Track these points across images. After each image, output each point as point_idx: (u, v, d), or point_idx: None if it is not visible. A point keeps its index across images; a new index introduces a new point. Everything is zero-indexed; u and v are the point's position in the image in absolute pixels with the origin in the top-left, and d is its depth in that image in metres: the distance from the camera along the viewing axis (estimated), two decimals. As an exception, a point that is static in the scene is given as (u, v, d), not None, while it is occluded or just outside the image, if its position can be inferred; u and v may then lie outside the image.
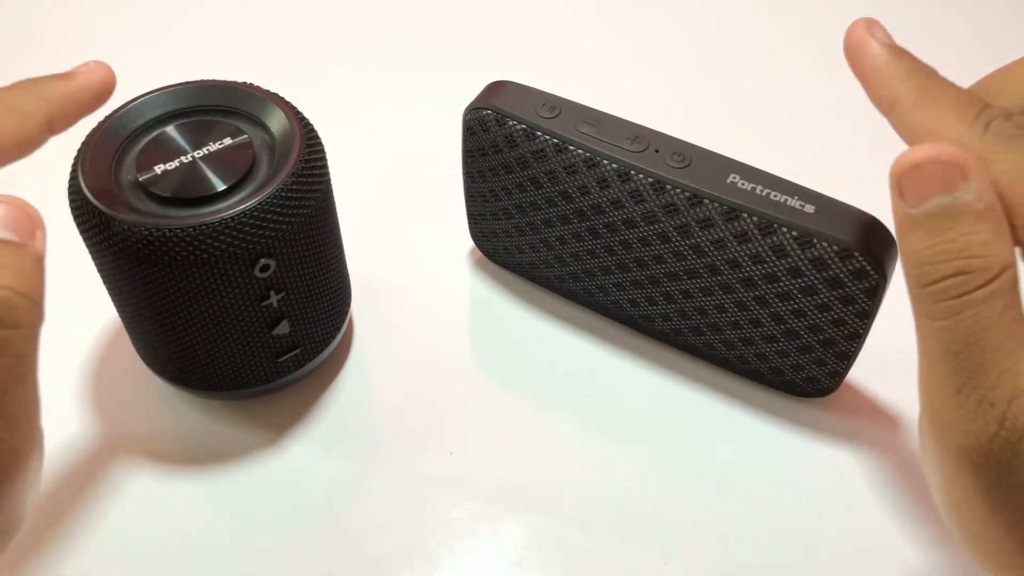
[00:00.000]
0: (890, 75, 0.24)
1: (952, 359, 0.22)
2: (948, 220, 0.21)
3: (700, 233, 0.33)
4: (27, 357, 0.22)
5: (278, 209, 0.30)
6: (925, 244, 0.22)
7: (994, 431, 0.21)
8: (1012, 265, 0.21)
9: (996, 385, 0.21)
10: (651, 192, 0.33)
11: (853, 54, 0.25)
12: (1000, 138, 0.22)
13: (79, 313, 0.39)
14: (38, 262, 0.23)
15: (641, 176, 0.33)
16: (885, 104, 0.24)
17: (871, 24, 0.25)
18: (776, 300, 0.33)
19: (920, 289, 0.22)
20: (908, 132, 0.24)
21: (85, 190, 0.30)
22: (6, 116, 0.25)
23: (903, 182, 0.22)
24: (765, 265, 0.32)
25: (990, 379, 0.21)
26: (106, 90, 0.27)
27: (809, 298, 0.32)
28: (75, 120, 0.26)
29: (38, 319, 0.23)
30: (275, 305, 0.32)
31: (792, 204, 0.31)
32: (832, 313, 0.32)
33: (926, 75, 0.24)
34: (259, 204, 0.30)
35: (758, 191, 0.32)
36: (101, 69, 0.27)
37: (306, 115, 0.33)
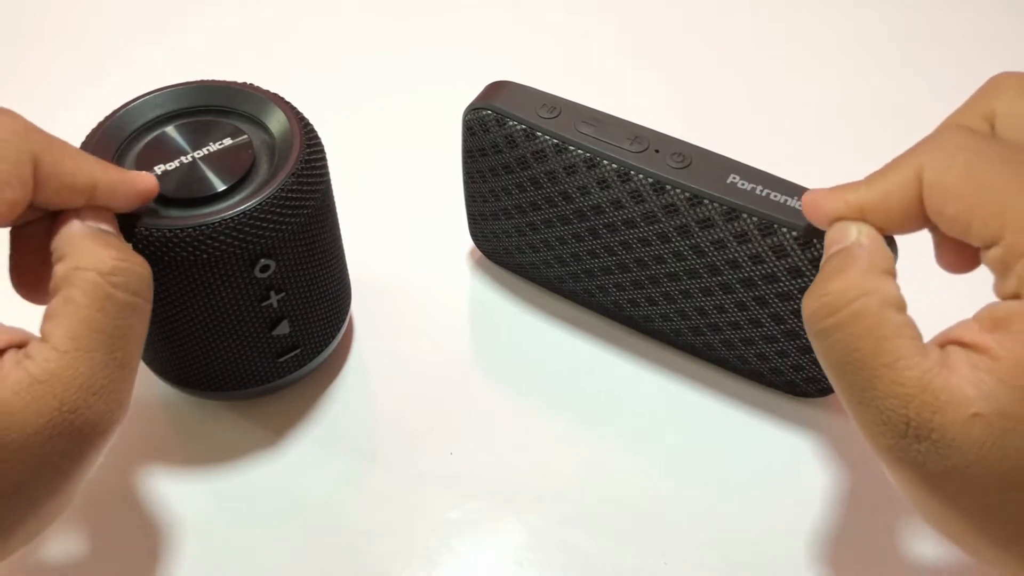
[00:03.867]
0: (832, 198, 0.27)
1: (843, 376, 0.24)
2: (833, 260, 0.25)
3: (700, 233, 0.33)
4: (146, 329, 0.26)
5: (278, 209, 0.30)
6: (816, 280, 0.26)
7: (903, 429, 0.22)
8: (874, 292, 0.24)
9: (887, 396, 0.23)
10: (651, 192, 0.33)
11: (810, 212, 0.28)
12: (951, 145, 0.24)
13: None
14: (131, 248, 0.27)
15: (641, 176, 0.33)
16: (835, 213, 0.27)
17: (811, 193, 0.28)
18: (776, 300, 0.33)
19: (809, 315, 0.25)
20: (861, 204, 0.27)
21: (85, 190, 0.30)
22: (70, 159, 0.26)
23: (826, 240, 0.27)
24: (765, 265, 0.32)
25: (880, 391, 0.23)
26: (145, 195, 0.29)
27: (809, 298, 0.32)
28: (112, 200, 0.28)
29: (151, 294, 0.27)
30: (275, 305, 0.32)
31: (792, 204, 0.31)
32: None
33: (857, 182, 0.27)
34: (259, 204, 0.30)
35: (758, 191, 0.32)
36: (151, 180, 0.29)
37: (306, 115, 0.33)
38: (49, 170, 0.25)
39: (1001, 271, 0.23)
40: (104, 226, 0.27)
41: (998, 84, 0.26)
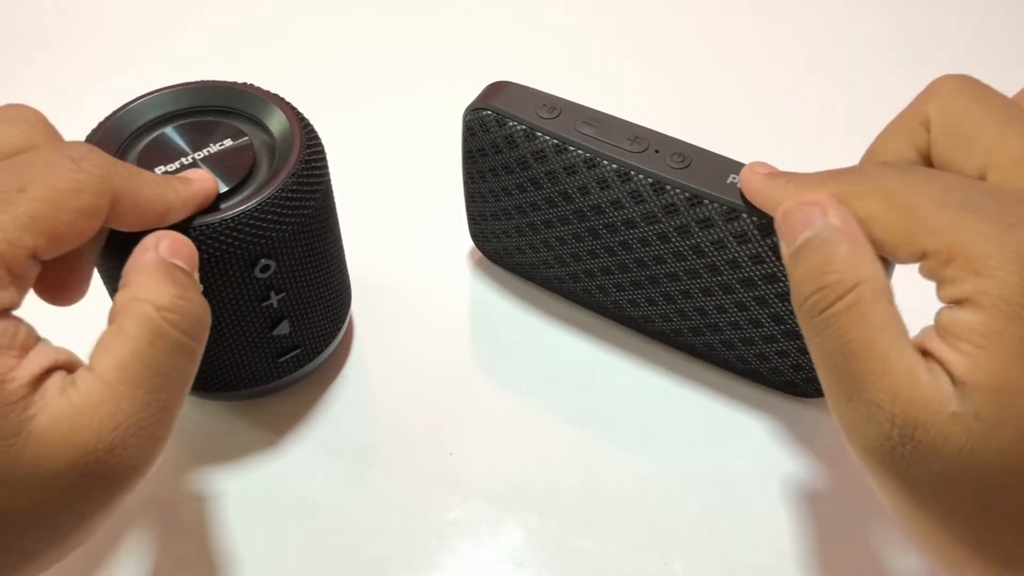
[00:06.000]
0: (770, 192, 0.28)
1: (834, 371, 0.24)
2: (811, 250, 0.25)
3: (700, 233, 0.33)
4: (193, 375, 0.26)
5: (278, 210, 0.30)
6: (797, 273, 0.25)
7: (888, 429, 0.22)
8: (868, 280, 0.23)
9: (876, 389, 0.22)
10: (651, 192, 0.33)
11: (745, 189, 0.30)
12: (865, 175, 0.25)
13: (80, 314, 0.39)
14: (200, 290, 0.26)
15: (641, 176, 0.33)
16: (777, 204, 0.27)
17: (751, 165, 0.30)
18: (776, 300, 0.33)
19: (799, 312, 0.25)
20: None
21: (85, 191, 0.30)
22: (146, 187, 0.27)
23: (781, 228, 0.26)
24: (765, 265, 0.32)
25: (869, 384, 0.23)
26: (209, 198, 0.29)
27: (809, 298, 0.32)
28: (184, 214, 0.28)
29: (206, 339, 0.26)
30: (275, 305, 0.32)
31: (792, 204, 0.31)
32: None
33: (795, 178, 0.28)
34: (259, 205, 0.30)
35: (758, 191, 0.32)
36: (212, 183, 0.30)
37: (306, 115, 0.33)
38: (129, 200, 0.25)
39: (938, 281, 0.23)
40: (178, 260, 0.26)
41: (933, 88, 0.27)
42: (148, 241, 0.26)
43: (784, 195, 0.27)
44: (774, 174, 0.29)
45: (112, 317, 0.24)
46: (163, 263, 0.26)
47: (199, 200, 0.29)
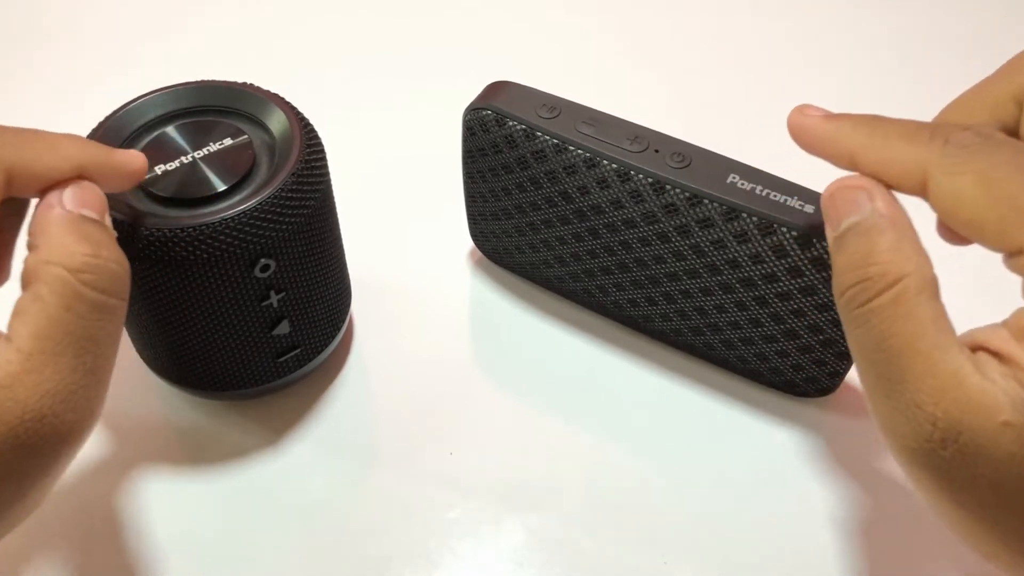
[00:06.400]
0: (838, 137, 0.25)
1: (873, 367, 0.23)
2: (856, 236, 0.23)
3: (700, 233, 0.33)
4: (120, 331, 0.25)
5: (278, 209, 0.30)
6: (840, 259, 0.24)
7: (929, 431, 0.21)
8: (914, 272, 0.22)
9: (918, 389, 0.21)
10: (651, 192, 0.33)
11: (800, 137, 0.26)
12: (961, 148, 0.22)
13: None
14: (115, 239, 0.25)
15: (641, 176, 0.33)
16: (846, 160, 0.25)
17: (802, 108, 0.26)
18: (776, 300, 0.33)
19: (839, 302, 0.24)
20: (876, 173, 0.24)
21: (85, 190, 0.29)
22: (47, 152, 0.25)
23: (826, 211, 0.25)
24: (765, 265, 0.32)
25: (911, 384, 0.21)
26: (136, 176, 0.27)
27: (809, 298, 0.32)
28: (104, 180, 0.26)
29: (128, 293, 0.25)
30: (275, 305, 0.32)
31: (792, 204, 0.31)
32: (832, 312, 0.32)
33: (869, 121, 0.25)
34: (259, 204, 0.30)
35: (758, 191, 0.32)
36: (140, 159, 0.28)
37: (306, 115, 0.33)
38: (25, 168, 0.24)
39: None
40: (86, 211, 0.24)
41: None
42: (51, 196, 0.24)
43: (857, 144, 0.24)
44: (839, 116, 0.25)
45: (25, 282, 0.23)
46: (70, 218, 0.24)
47: (124, 170, 0.27)
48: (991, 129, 0.24)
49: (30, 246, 0.24)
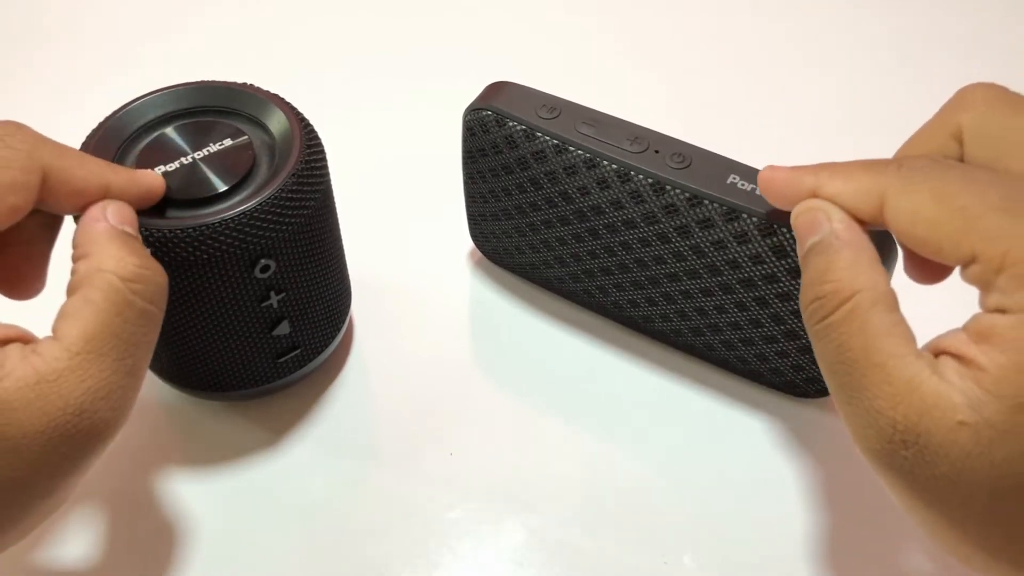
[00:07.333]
0: (801, 176, 0.27)
1: (835, 376, 0.24)
2: (815, 255, 0.25)
3: (700, 234, 0.33)
4: (156, 338, 0.26)
5: (278, 210, 0.30)
6: (804, 277, 0.25)
7: (890, 433, 0.22)
8: (866, 288, 0.23)
9: (876, 396, 0.23)
10: (651, 193, 0.33)
11: (768, 189, 0.28)
12: (916, 170, 0.24)
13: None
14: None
15: (641, 177, 0.33)
16: (805, 193, 0.26)
17: (770, 166, 0.28)
18: (776, 300, 0.33)
19: (803, 317, 0.25)
20: (835, 199, 0.26)
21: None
22: (78, 166, 0.27)
23: (795, 232, 0.26)
24: (765, 265, 0.32)
25: (869, 391, 0.23)
26: (154, 196, 0.29)
27: (809, 298, 0.32)
28: (126, 199, 0.28)
29: (166, 304, 0.27)
30: (275, 306, 0.32)
31: (792, 205, 0.31)
32: (832, 313, 0.32)
33: (828, 164, 0.26)
34: (259, 205, 0.30)
35: (758, 192, 0.32)
36: (160, 181, 0.29)
37: (306, 115, 0.33)
38: (60, 177, 0.26)
39: (983, 287, 0.23)
40: (128, 228, 0.27)
41: (964, 98, 0.26)
42: (95, 211, 0.26)
43: (820, 179, 0.26)
44: (798, 167, 0.28)
45: (74, 288, 0.25)
46: (117, 232, 0.26)
47: (143, 190, 0.28)
48: (942, 156, 0.26)
49: (77, 256, 0.26)
